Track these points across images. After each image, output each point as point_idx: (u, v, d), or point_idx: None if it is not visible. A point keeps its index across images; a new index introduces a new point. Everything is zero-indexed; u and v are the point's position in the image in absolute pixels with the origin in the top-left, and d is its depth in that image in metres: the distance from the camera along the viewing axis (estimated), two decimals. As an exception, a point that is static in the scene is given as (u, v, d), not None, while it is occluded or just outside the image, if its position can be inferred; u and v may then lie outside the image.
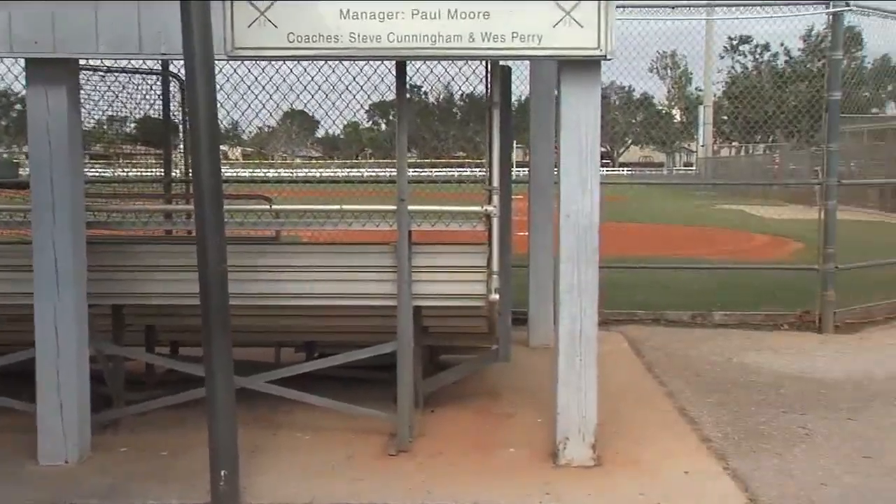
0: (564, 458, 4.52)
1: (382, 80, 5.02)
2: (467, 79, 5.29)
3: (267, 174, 12.55)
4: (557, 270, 4.48)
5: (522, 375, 6.26)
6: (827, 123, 8.00)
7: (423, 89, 9.02)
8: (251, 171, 14.03)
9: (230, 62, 4.46)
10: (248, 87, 5.42)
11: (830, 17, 7.92)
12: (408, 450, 4.74)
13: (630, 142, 42.56)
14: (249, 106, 5.50)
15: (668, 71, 32.96)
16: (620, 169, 48.91)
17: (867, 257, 9.24)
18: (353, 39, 4.20)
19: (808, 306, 8.31)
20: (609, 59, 4.21)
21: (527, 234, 7.37)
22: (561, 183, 4.40)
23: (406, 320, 4.73)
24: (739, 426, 5.26)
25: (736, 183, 23.28)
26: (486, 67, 4.97)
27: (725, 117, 25.83)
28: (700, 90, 27.66)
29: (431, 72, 5.40)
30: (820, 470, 4.51)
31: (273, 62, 4.73)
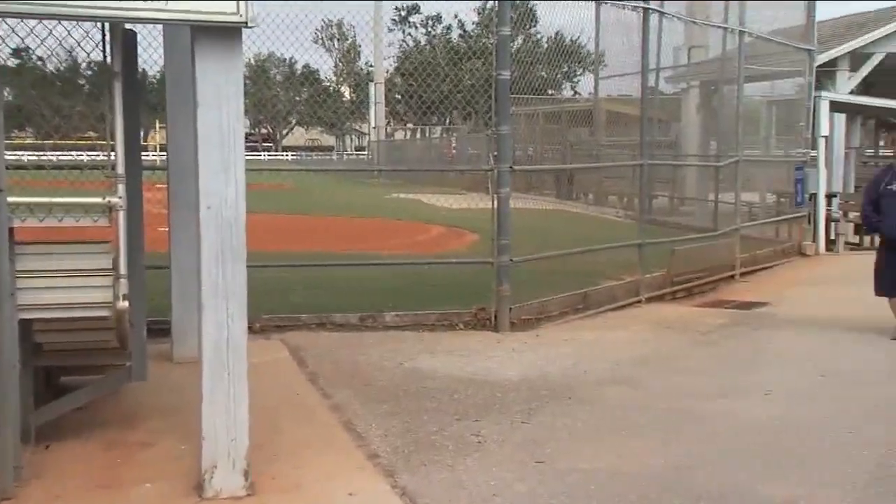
0: (212, 490, 4.48)
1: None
2: (97, 45, 5.04)
3: None
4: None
5: (165, 396, 6.09)
6: (496, 105, 8.67)
7: (37, 54, 8.39)
8: None
9: None
10: None
11: (495, -12, 8.57)
12: (12, 497, 4.41)
13: (295, 122, 42.94)
14: None
15: (335, 42, 33.78)
16: (284, 153, 49.20)
17: (545, 248, 10.22)
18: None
19: (484, 303, 8.99)
20: (251, 27, 4.23)
21: (167, 229, 7.17)
22: (200, 169, 4.35)
23: (8, 337, 4.39)
24: (410, 438, 5.57)
25: (403, 169, 24.51)
26: (103, 30, 4.77)
27: (399, 96, 27.04)
28: (371, 65, 28.75)
29: (51, 33, 5.07)
30: (493, 479, 4.91)
31: None
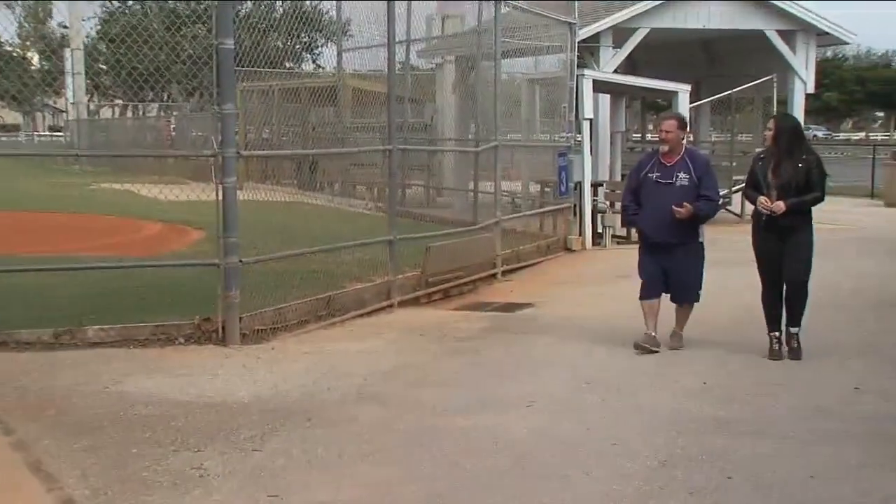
0: None
1: None
2: None
3: None
4: None
5: None
6: (218, 79, 8.50)
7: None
8: None
9: None
10: None
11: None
12: None
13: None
14: None
15: (18, -4, 31.87)
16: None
17: (282, 247, 10.14)
18: None
19: (209, 312, 8.80)
20: None
21: None
22: None
23: None
24: (116, 476, 5.35)
25: (110, 154, 23.64)
26: None
27: (104, 66, 25.96)
28: (66, 27, 27.34)
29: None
30: (217, 519, 4.81)
31: None
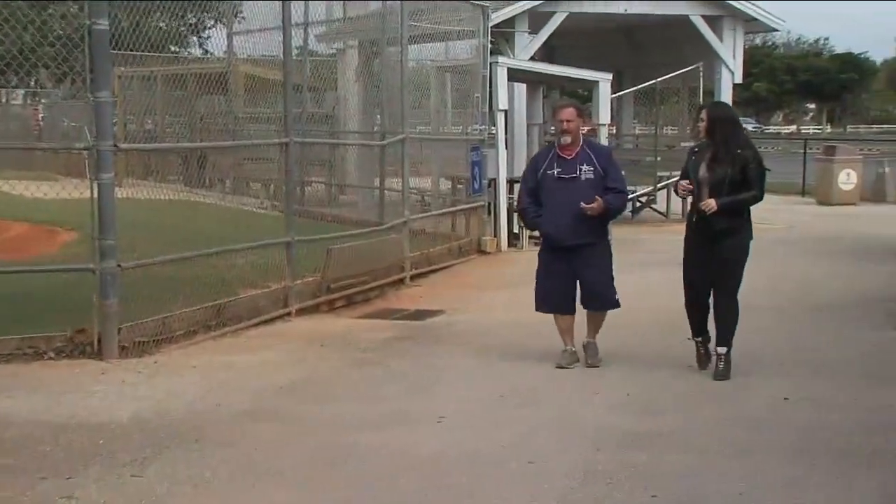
0: None
1: None
2: None
3: None
4: None
5: None
6: (91, 63, 8.34)
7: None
8: None
9: None
10: None
11: None
12: None
13: None
14: None
15: None
16: None
17: (167, 250, 9.98)
18: None
19: (83, 323, 8.63)
20: None
21: None
22: None
23: None
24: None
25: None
26: None
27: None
28: None
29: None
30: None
31: None
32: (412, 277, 13.32)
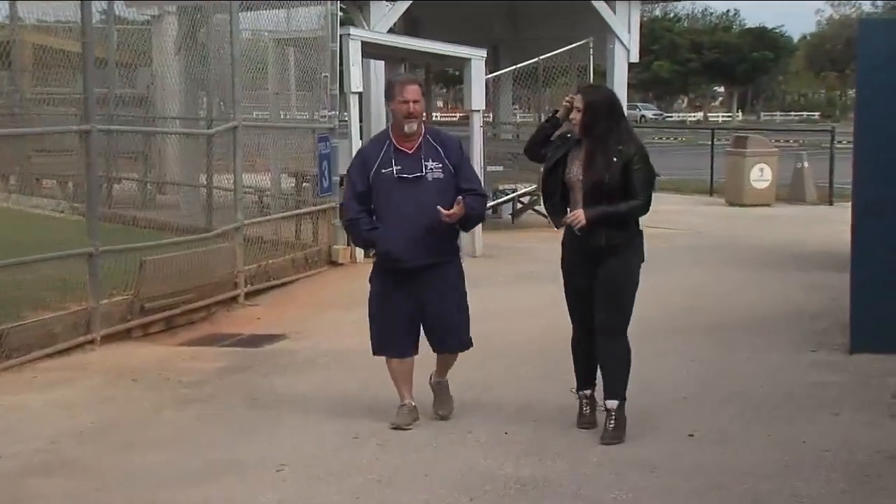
0: None
1: None
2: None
3: None
4: None
5: None
6: None
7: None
8: None
9: None
10: None
11: None
12: None
13: None
14: None
15: None
16: None
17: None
18: None
19: None
20: None
21: None
22: None
23: None
24: None
25: None
26: None
27: None
28: None
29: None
30: None
31: None
32: (247, 295, 13.20)
